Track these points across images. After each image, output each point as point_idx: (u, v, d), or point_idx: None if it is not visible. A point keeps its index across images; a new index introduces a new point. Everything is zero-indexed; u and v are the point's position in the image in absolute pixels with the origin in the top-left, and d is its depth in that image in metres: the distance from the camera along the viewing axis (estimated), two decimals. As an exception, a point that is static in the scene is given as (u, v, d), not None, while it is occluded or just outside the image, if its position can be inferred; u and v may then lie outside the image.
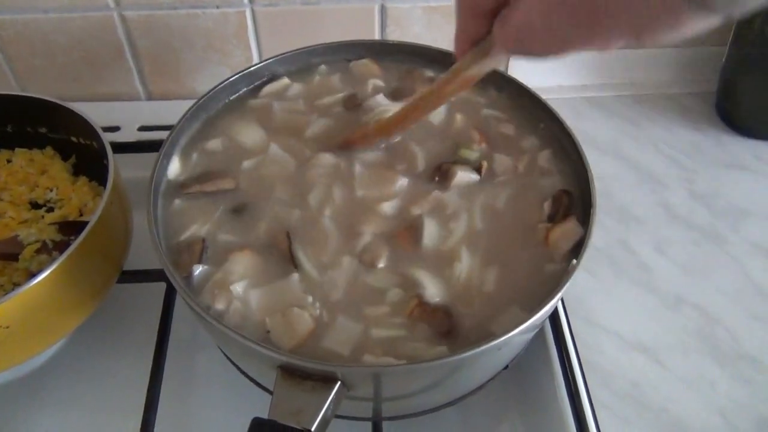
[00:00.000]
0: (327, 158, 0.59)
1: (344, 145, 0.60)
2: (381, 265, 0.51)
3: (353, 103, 0.65)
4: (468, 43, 0.44)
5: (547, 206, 0.55)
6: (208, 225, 0.54)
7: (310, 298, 0.49)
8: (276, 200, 0.56)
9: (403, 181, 0.57)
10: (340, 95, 0.66)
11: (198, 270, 0.50)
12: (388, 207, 0.55)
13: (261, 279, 0.51)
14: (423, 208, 0.55)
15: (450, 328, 0.47)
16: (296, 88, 0.67)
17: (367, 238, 0.53)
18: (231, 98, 0.65)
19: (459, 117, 0.63)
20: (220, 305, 0.48)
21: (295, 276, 0.50)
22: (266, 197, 0.56)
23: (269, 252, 0.52)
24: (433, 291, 0.49)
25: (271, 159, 0.59)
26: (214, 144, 0.61)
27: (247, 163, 0.59)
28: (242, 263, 0.51)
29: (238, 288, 0.49)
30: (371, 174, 0.58)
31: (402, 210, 0.55)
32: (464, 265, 0.51)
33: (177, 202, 0.56)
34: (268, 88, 0.66)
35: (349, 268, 0.51)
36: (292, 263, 0.51)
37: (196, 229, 0.54)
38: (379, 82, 0.67)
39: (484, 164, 0.57)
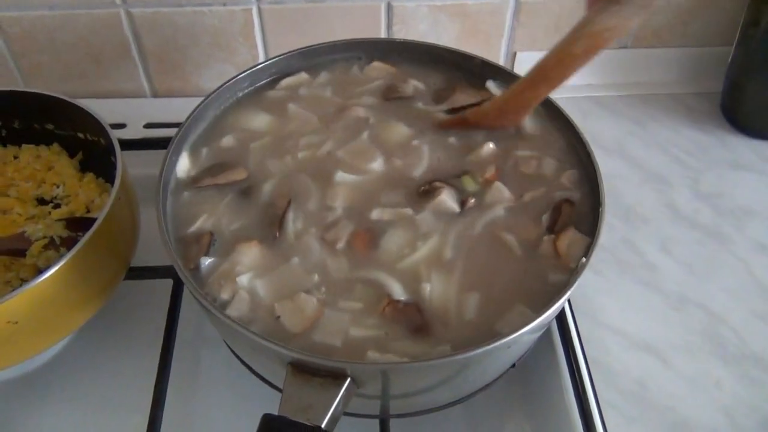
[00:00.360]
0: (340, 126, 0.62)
1: (447, 125, 0.61)
2: (339, 246, 0.52)
3: (394, 94, 0.64)
4: None
5: (546, 218, 0.54)
6: (216, 215, 0.55)
7: (316, 277, 0.50)
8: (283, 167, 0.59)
9: (388, 170, 0.58)
10: (377, 83, 0.66)
11: (206, 262, 0.51)
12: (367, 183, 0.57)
13: (266, 268, 0.51)
14: (391, 215, 0.54)
15: (422, 323, 0.48)
16: (324, 76, 0.68)
17: (338, 213, 0.55)
18: (248, 91, 0.66)
19: (490, 146, 0.60)
20: (225, 295, 0.49)
21: (295, 260, 0.51)
22: (274, 170, 0.59)
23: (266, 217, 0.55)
24: (398, 290, 0.50)
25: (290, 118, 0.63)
26: (227, 140, 0.61)
27: (256, 143, 0.60)
28: (248, 254, 0.52)
29: (243, 279, 0.50)
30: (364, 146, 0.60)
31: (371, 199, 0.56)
32: (435, 288, 0.50)
33: (186, 194, 0.57)
34: (287, 81, 0.67)
35: (315, 246, 0.53)
36: (278, 227, 0.53)
37: (204, 221, 0.54)
38: (418, 84, 0.67)
39: (471, 201, 0.55)
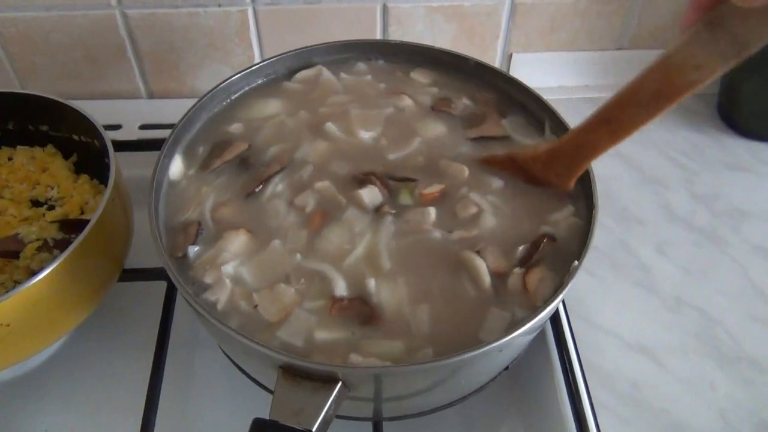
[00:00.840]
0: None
1: (489, 161, 0.56)
2: (308, 209, 0.54)
3: (445, 107, 0.63)
4: (704, 4, 0.31)
5: (522, 250, 0.52)
6: (212, 198, 0.56)
7: (298, 256, 0.51)
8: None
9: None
10: (432, 89, 0.65)
11: (194, 250, 0.52)
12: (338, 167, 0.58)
13: (250, 254, 0.53)
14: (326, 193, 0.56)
15: (371, 313, 0.48)
16: (361, 66, 0.69)
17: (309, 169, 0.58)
18: (264, 80, 0.67)
19: (453, 165, 0.58)
20: (208, 279, 0.50)
21: (276, 242, 0.52)
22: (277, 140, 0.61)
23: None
24: (341, 285, 0.50)
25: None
26: (235, 127, 0.63)
27: (271, 122, 0.63)
28: (235, 242, 0.52)
29: (229, 267, 0.51)
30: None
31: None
32: (383, 292, 0.50)
33: (183, 183, 0.58)
34: (303, 74, 0.67)
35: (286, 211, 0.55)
36: (260, 183, 0.56)
37: (193, 210, 0.55)
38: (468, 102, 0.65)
39: (385, 208, 0.54)
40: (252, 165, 0.59)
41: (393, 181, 0.57)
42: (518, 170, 0.55)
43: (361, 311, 0.48)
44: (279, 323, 0.48)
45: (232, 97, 0.65)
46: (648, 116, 0.42)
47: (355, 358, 0.45)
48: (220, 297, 0.49)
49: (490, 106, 0.64)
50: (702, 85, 0.37)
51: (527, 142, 0.61)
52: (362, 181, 0.56)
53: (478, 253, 0.51)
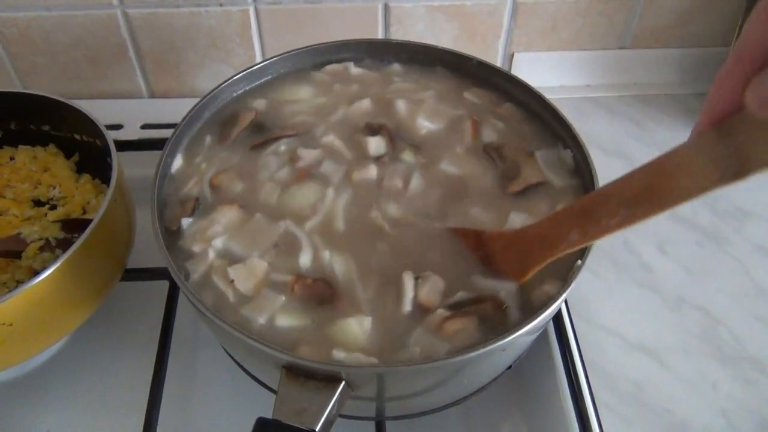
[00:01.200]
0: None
1: (457, 231, 0.52)
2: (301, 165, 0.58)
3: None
4: (724, 106, 0.29)
5: (460, 295, 0.49)
6: (213, 168, 0.58)
7: (282, 224, 0.53)
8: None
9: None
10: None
11: (188, 222, 0.54)
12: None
13: (238, 227, 0.54)
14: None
15: (332, 293, 0.49)
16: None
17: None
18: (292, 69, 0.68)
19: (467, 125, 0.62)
20: (196, 248, 0.52)
21: (258, 216, 0.54)
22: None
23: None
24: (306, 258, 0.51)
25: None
26: (259, 103, 0.65)
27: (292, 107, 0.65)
28: (227, 215, 0.54)
29: (218, 242, 0.52)
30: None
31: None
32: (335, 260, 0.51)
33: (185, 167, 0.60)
34: (332, 67, 0.68)
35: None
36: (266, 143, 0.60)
37: (194, 183, 0.57)
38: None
39: (385, 158, 0.58)
40: (268, 129, 0.62)
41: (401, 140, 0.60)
42: (479, 246, 0.51)
43: (323, 292, 0.49)
44: (249, 300, 0.49)
45: (234, 95, 0.65)
46: (626, 219, 0.37)
47: (337, 354, 0.45)
48: (198, 268, 0.51)
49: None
50: (690, 199, 0.32)
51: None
52: (374, 130, 0.59)
53: (417, 279, 0.49)
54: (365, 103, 0.64)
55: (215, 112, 0.64)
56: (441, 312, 0.48)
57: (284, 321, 0.48)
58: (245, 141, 0.61)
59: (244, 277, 0.50)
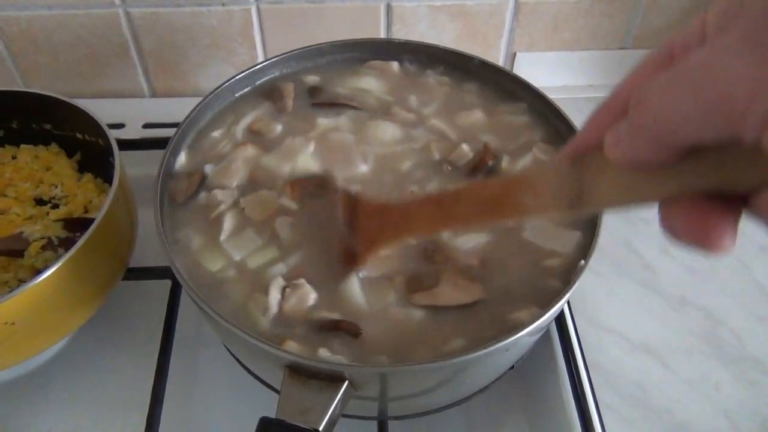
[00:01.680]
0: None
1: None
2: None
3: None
4: (588, 141, 0.30)
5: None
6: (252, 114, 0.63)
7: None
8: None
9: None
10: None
11: (209, 167, 0.58)
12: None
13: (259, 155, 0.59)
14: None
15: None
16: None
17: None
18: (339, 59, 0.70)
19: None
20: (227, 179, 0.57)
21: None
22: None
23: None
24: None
25: None
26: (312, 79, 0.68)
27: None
28: (244, 153, 0.59)
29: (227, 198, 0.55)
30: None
31: None
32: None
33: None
34: (375, 62, 0.69)
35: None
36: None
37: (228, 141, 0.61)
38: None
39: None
40: (326, 92, 0.65)
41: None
42: (352, 212, 0.50)
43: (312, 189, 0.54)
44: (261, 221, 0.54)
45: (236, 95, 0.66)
46: (474, 217, 0.38)
47: (323, 353, 0.45)
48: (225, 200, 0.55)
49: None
50: (528, 218, 0.34)
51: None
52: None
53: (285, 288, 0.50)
54: None
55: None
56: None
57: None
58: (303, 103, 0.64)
59: (254, 206, 0.55)
